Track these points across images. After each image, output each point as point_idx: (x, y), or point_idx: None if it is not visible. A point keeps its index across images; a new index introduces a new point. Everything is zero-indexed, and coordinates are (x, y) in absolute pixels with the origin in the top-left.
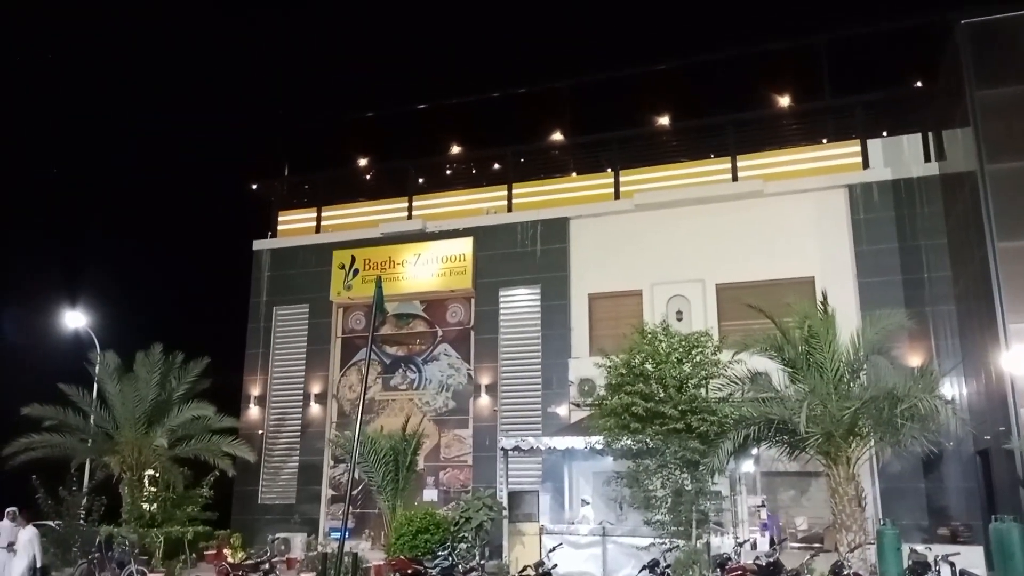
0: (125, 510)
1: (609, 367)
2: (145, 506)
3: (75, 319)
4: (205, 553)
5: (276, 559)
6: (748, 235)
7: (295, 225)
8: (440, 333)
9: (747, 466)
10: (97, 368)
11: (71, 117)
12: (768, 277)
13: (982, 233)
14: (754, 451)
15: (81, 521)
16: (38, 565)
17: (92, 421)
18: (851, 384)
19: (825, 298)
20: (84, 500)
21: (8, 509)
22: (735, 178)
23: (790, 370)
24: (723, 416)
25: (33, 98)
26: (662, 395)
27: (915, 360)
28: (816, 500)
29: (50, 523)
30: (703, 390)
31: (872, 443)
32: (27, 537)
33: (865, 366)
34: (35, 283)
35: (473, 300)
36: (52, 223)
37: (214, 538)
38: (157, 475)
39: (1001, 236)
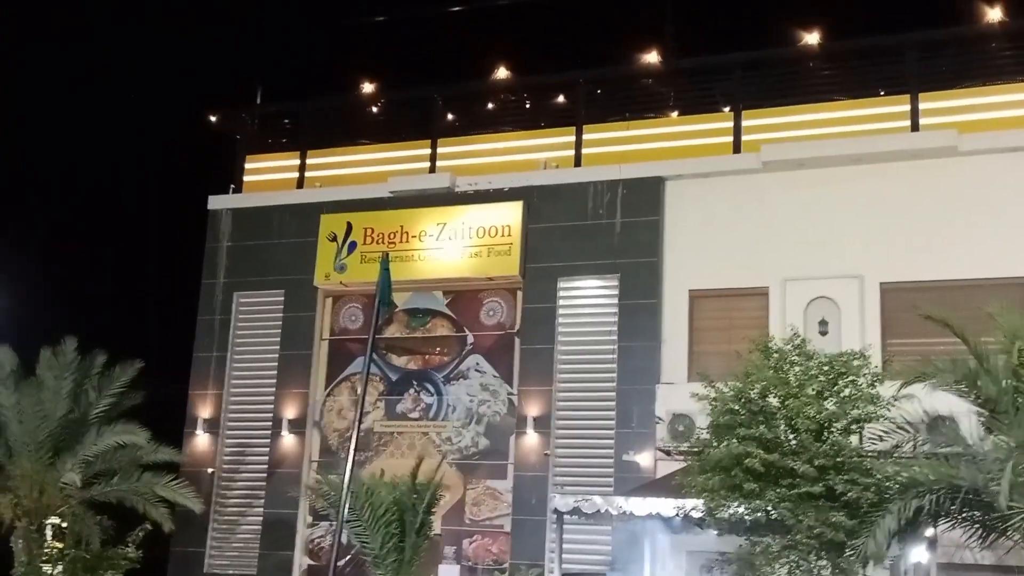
0: (17, 573)
1: (715, 400)
2: (46, 569)
3: None
4: None
5: None
6: (931, 213)
7: (269, 176)
8: (471, 339)
9: (918, 553)
10: None
11: None
12: (961, 276)
13: None
14: (928, 532)
15: None
16: None
17: None
18: None
19: None
20: None
21: None
22: (915, 127)
23: (988, 414)
24: (883, 478)
25: None
26: (792, 443)
27: None
28: None
29: None
30: (854, 438)
31: None
32: None
33: None
34: None
35: (520, 293)
36: None
37: None
38: (64, 525)
39: None
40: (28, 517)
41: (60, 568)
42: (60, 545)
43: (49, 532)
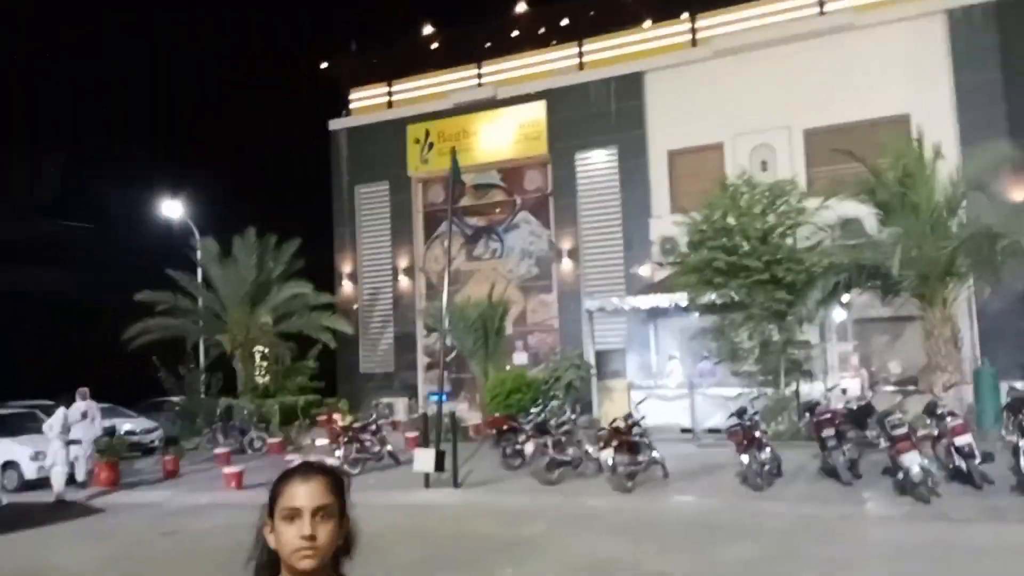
0: (240, 383)
1: (690, 224)
2: (258, 379)
3: (172, 208)
4: (316, 419)
5: (382, 421)
6: (837, 74)
7: (368, 102)
8: (519, 201)
9: (837, 314)
10: (199, 254)
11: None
12: (860, 118)
13: None
14: (844, 298)
15: (201, 395)
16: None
17: (200, 303)
18: (948, 223)
19: (921, 135)
20: (202, 376)
21: (80, 389)
22: (822, 11)
23: (883, 213)
24: (811, 265)
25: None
26: (746, 248)
27: (1018, 195)
28: (910, 344)
29: (173, 399)
30: (789, 240)
31: (970, 283)
32: (95, 420)
33: (964, 203)
34: (131, 172)
35: (550, 165)
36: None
37: (323, 405)
38: (265, 351)
39: None
40: (242, 347)
41: (267, 378)
42: (265, 363)
43: (256, 356)
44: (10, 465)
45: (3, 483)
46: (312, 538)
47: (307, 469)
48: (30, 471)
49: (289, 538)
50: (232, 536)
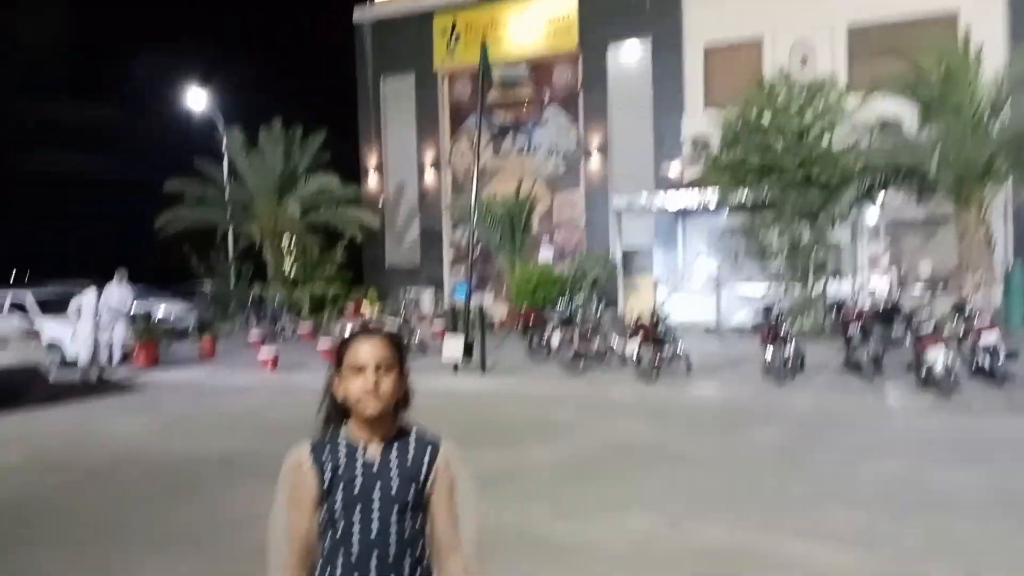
0: (270, 273)
1: (723, 122)
2: (287, 268)
3: (198, 98)
4: (344, 309)
5: (410, 312)
6: None
7: None
8: (548, 96)
9: (870, 215)
10: (225, 144)
11: None
12: (906, 16)
13: None
14: (878, 199)
15: (232, 283)
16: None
17: (228, 193)
18: (990, 125)
19: (968, 33)
20: (233, 265)
21: (119, 269)
22: None
23: (923, 114)
24: (846, 165)
25: None
26: (780, 147)
27: None
28: (942, 246)
29: (205, 286)
30: (825, 139)
31: (1008, 184)
32: (128, 301)
33: (1008, 104)
34: (160, 61)
35: (580, 59)
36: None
37: (351, 296)
38: (293, 242)
39: None
40: (270, 238)
41: (296, 268)
42: (293, 255)
43: (285, 246)
44: (54, 346)
45: (49, 361)
46: (375, 389)
47: (370, 330)
48: (72, 351)
49: (355, 389)
50: (273, 413)
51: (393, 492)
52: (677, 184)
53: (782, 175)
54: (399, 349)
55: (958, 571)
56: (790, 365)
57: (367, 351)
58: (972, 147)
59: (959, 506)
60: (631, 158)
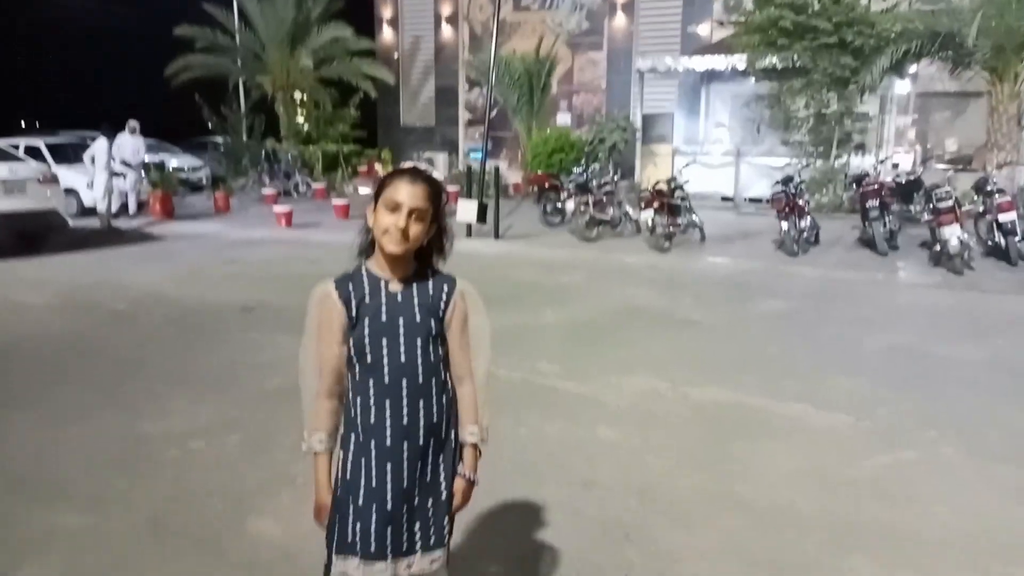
0: (283, 128)
1: None
2: (300, 122)
3: None
4: (358, 169)
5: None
6: None
7: None
8: None
9: (900, 86)
10: None
11: None
12: None
13: None
14: (912, 69)
15: (244, 137)
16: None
17: (239, 41)
18: None
19: None
20: (245, 118)
21: (130, 120)
22: None
23: None
24: (882, 29)
25: None
26: (816, 7)
27: None
28: (971, 122)
29: (217, 139)
30: (863, 0)
31: None
32: (141, 152)
33: None
34: None
35: None
36: None
37: (365, 156)
38: (306, 95)
39: None
40: (282, 90)
41: (309, 123)
42: (305, 109)
43: (297, 99)
44: (70, 192)
45: (66, 207)
46: (403, 231)
47: (415, 173)
48: (88, 198)
49: (384, 222)
50: (289, 267)
51: (417, 321)
52: (705, 46)
53: (816, 37)
54: (438, 200)
55: (949, 437)
56: (804, 238)
57: (406, 192)
58: (1015, 15)
59: (959, 379)
60: (658, 16)
